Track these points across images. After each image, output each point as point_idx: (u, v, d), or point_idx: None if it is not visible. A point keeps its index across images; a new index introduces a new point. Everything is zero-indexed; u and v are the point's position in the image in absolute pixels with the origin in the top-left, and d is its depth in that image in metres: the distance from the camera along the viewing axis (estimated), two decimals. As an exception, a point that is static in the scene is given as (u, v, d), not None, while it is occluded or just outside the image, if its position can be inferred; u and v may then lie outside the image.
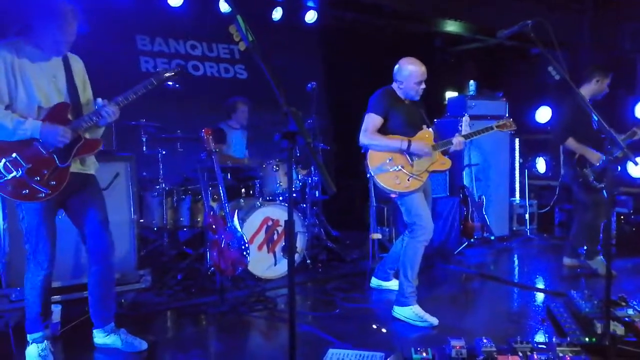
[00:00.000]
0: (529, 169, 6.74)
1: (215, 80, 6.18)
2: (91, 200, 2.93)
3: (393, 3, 5.79)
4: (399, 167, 3.48)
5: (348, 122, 6.46)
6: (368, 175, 3.52)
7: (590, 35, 7.41)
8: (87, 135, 2.83)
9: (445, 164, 3.64)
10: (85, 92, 2.95)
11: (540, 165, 6.87)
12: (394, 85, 3.64)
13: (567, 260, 4.81)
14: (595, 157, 4.37)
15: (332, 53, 6.92)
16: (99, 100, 2.83)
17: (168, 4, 5.27)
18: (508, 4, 6.56)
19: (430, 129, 3.64)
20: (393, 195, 3.50)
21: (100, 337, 3.07)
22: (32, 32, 2.71)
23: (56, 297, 3.44)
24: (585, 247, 4.64)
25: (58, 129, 2.63)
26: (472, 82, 6.10)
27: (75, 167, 2.79)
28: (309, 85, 4.92)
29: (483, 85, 6.25)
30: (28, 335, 2.87)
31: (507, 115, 6.02)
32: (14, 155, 2.58)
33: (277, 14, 5.92)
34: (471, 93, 6.03)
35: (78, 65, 2.94)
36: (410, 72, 3.54)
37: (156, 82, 2.87)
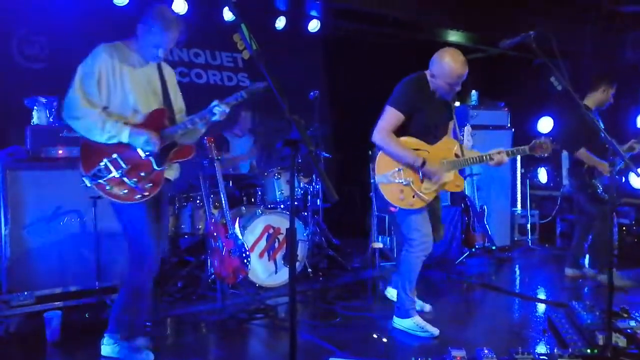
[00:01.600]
0: (531, 179, 6.74)
1: (218, 89, 6.20)
2: (165, 207, 2.99)
3: (395, 13, 5.81)
4: (408, 182, 3.16)
5: (350, 130, 6.50)
6: (372, 181, 3.27)
7: (592, 45, 7.43)
8: (182, 141, 2.85)
9: (459, 186, 3.33)
10: (177, 101, 2.97)
11: (542, 175, 6.87)
12: (428, 74, 3.25)
13: (569, 271, 4.79)
14: (606, 168, 4.28)
15: (334, 62, 6.94)
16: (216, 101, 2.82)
17: (172, 12, 5.30)
18: (510, 15, 6.59)
19: (455, 138, 3.34)
20: (392, 209, 3.23)
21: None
22: (134, 36, 2.76)
23: (57, 303, 3.44)
24: (595, 260, 4.59)
25: (145, 135, 2.66)
26: (474, 92, 6.12)
27: (167, 172, 2.84)
28: (312, 93, 4.94)
29: (485, 95, 6.26)
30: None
31: (509, 125, 6.03)
32: (114, 156, 2.64)
33: (280, 23, 5.95)
34: (473, 103, 6.04)
35: (171, 73, 2.97)
36: (447, 69, 3.12)
37: (246, 95, 2.86)
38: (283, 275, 4.42)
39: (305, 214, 4.99)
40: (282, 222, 4.44)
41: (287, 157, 4.59)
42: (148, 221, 2.75)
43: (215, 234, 3.80)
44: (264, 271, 4.35)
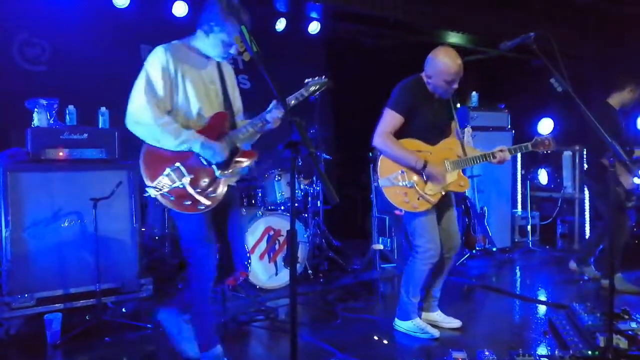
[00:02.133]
0: (531, 180, 6.74)
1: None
2: (237, 212, 2.89)
3: (396, 15, 5.82)
4: (411, 184, 3.14)
5: (350, 132, 6.51)
6: (375, 184, 3.25)
7: (593, 46, 7.44)
8: (241, 145, 2.74)
9: (463, 185, 3.29)
10: (236, 102, 2.87)
11: (542, 176, 6.87)
12: (424, 76, 3.24)
13: (573, 265, 4.76)
14: (629, 181, 4.17)
15: (335, 64, 6.95)
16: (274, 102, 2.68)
17: (173, 14, 5.31)
18: (510, 16, 6.60)
19: (458, 138, 3.33)
20: (397, 212, 3.20)
21: None
22: (192, 35, 2.66)
23: (57, 306, 3.44)
24: (603, 264, 4.57)
25: (216, 146, 2.56)
26: (474, 93, 6.12)
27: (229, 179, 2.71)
28: (311, 96, 4.93)
29: (485, 97, 6.27)
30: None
31: (509, 126, 6.04)
32: (177, 164, 2.52)
33: (280, 25, 5.96)
34: (473, 104, 6.05)
35: (230, 73, 2.86)
36: (441, 67, 3.10)
37: (306, 93, 2.74)
38: (283, 277, 4.42)
39: (306, 215, 4.99)
40: (282, 224, 4.44)
41: (287, 159, 4.58)
42: (206, 231, 2.64)
43: (215, 235, 3.79)
44: (265, 273, 4.34)
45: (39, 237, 3.45)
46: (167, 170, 2.50)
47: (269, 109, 2.68)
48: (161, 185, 2.48)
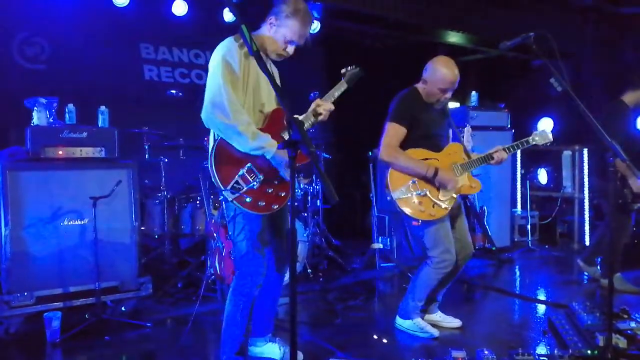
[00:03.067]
0: (531, 179, 6.74)
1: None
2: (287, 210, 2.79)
3: (396, 14, 5.82)
4: (424, 192, 3.14)
5: (350, 131, 6.51)
6: (389, 198, 3.17)
7: (592, 47, 7.44)
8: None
9: (475, 187, 3.31)
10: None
11: (542, 176, 6.88)
12: (420, 86, 3.30)
13: (581, 263, 4.74)
14: (636, 182, 4.09)
15: (334, 62, 6.92)
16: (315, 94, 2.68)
17: (172, 13, 5.31)
18: (510, 16, 6.61)
19: (458, 141, 3.35)
20: (415, 223, 3.18)
21: (259, 346, 2.97)
22: (262, 31, 2.59)
23: (57, 304, 3.44)
24: (601, 265, 4.56)
25: (285, 159, 2.45)
26: (474, 93, 6.12)
27: None
28: (312, 94, 4.92)
29: (485, 96, 6.26)
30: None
31: (509, 126, 6.04)
32: (249, 165, 2.46)
33: (280, 23, 5.95)
34: (473, 104, 6.05)
35: (275, 71, 2.76)
36: (438, 75, 3.16)
37: (346, 85, 2.77)
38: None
39: (306, 214, 4.99)
40: (282, 223, 4.44)
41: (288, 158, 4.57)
42: (268, 234, 2.62)
43: (215, 234, 3.80)
44: (264, 272, 4.34)
45: (38, 235, 3.45)
46: (242, 171, 2.44)
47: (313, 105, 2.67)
48: (235, 187, 2.42)
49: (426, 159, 3.22)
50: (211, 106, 2.40)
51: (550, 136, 3.34)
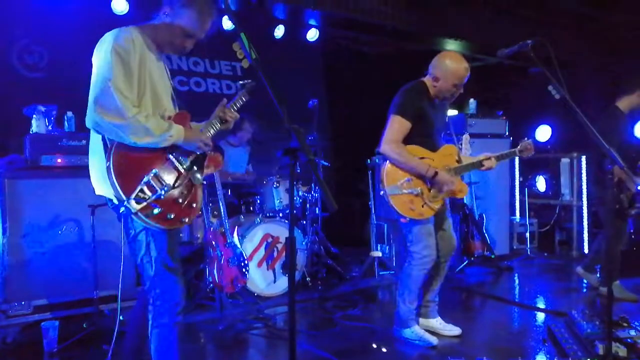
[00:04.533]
0: (529, 187, 6.75)
1: (217, 97, 6.17)
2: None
3: (394, 23, 5.85)
4: (418, 191, 3.14)
5: (349, 139, 6.52)
6: (382, 193, 3.17)
7: (589, 54, 7.48)
8: None
9: (463, 191, 3.33)
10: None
11: (540, 183, 6.88)
12: (427, 80, 3.24)
13: (580, 270, 4.73)
14: (633, 186, 4.10)
15: (333, 70, 6.97)
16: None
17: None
18: (508, 24, 6.64)
19: (454, 144, 3.38)
20: (403, 220, 3.21)
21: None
22: (148, 23, 2.32)
23: (54, 313, 3.42)
24: (600, 273, 4.55)
25: (200, 135, 2.26)
26: (472, 100, 6.14)
27: None
28: (311, 102, 4.95)
29: (483, 104, 6.29)
30: None
31: (507, 133, 6.05)
32: (154, 171, 2.11)
33: (279, 31, 5.98)
34: (471, 111, 6.07)
35: (166, 67, 2.44)
36: (452, 69, 3.13)
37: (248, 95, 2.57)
38: (282, 285, 4.40)
39: (304, 222, 4.99)
40: (280, 231, 4.44)
41: (286, 166, 4.59)
42: (172, 247, 2.25)
43: (214, 242, 3.79)
44: (263, 280, 4.33)
45: (36, 244, 3.44)
46: (146, 177, 2.08)
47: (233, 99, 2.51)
48: (144, 195, 2.06)
49: (422, 157, 3.22)
50: (98, 106, 2.04)
51: (532, 148, 3.51)
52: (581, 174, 6.36)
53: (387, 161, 3.19)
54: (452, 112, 6.97)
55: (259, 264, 4.33)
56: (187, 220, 2.21)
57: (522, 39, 2.73)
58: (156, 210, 2.09)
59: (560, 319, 3.76)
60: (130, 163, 2.09)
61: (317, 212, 5.19)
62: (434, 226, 3.33)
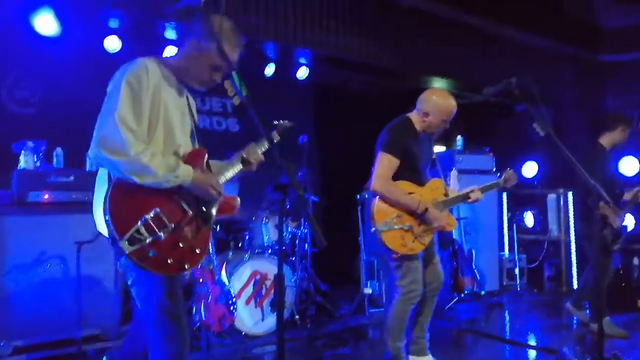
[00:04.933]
0: (517, 223, 6.78)
1: (207, 133, 6.24)
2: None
3: (382, 62, 5.98)
4: (408, 226, 3.16)
5: (338, 175, 6.54)
6: (373, 229, 3.17)
7: (573, 92, 7.68)
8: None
9: (451, 224, 3.38)
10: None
11: (529, 219, 6.92)
12: (413, 116, 3.31)
13: (569, 306, 4.71)
14: (617, 222, 4.14)
15: (323, 108, 7.06)
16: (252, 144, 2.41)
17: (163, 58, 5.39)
18: (493, 63, 6.82)
19: (441, 178, 3.41)
20: (394, 256, 3.19)
21: None
22: (180, 54, 2.21)
23: (36, 354, 3.32)
24: (589, 310, 4.54)
25: (210, 179, 2.10)
26: (459, 137, 6.23)
27: None
28: (301, 138, 4.99)
29: (470, 140, 6.38)
30: None
31: (494, 169, 6.13)
32: (156, 210, 1.95)
33: (269, 70, 6.08)
34: (459, 148, 6.15)
35: (194, 107, 2.36)
36: (442, 105, 3.23)
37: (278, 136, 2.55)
38: (270, 323, 4.32)
39: (293, 259, 4.94)
40: (269, 268, 4.39)
41: (275, 202, 4.57)
42: (178, 297, 2.09)
43: (201, 279, 3.73)
44: (250, 319, 4.25)
45: (19, 281, 3.37)
46: (146, 217, 1.93)
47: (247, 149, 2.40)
48: (139, 236, 1.90)
49: (411, 192, 3.24)
50: (102, 141, 1.94)
51: (514, 177, 3.68)
52: (568, 209, 6.42)
53: (377, 198, 3.20)
54: (439, 149, 7.06)
55: (247, 302, 4.26)
56: (187, 266, 2.04)
57: (506, 76, 2.80)
58: (152, 254, 1.91)
59: (551, 356, 3.72)
60: (129, 200, 1.94)
61: (306, 248, 5.16)
62: (423, 261, 3.33)
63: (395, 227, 3.14)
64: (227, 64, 2.12)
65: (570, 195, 6.33)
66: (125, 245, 1.88)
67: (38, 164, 3.65)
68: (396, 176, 3.23)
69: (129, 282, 2.07)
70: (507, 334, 4.67)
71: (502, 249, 6.57)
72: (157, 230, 1.93)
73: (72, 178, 3.66)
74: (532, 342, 4.31)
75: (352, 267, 6.11)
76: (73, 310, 3.39)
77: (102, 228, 2.00)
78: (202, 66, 2.17)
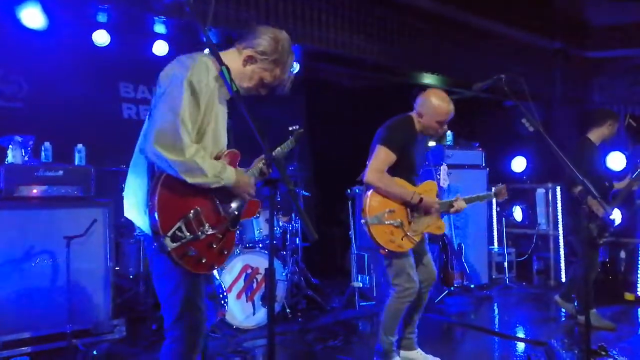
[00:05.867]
0: (506, 217, 6.84)
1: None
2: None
3: (372, 57, 5.99)
4: (398, 223, 3.16)
5: (329, 169, 6.56)
6: (363, 221, 3.15)
7: (561, 88, 7.75)
8: None
9: (441, 228, 3.40)
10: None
11: (517, 213, 6.99)
12: (414, 115, 3.30)
13: (558, 299, 4.76)
14: (601, 210, 4.11)
15: (314, 102, 7.07)
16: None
17: (153, 53, 5.37)
18: (483, 59, 6.86)
19: (433, 176, 3.44)
20: (382, 252, 3.19)
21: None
22: (232, 59, 2.18)
23: (25, 349, 3.31)
24: (577, 302, 4.59)
25: (251, 181, 2.16)
26: (449, 132, 6.26)
27: None
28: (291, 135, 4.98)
29: (460, 136, 6.41)
30: None
31: (483, 164, 6.17)
32: (197, 210, 2.02)
33: (260, 64, 6.06)
34: (449, 143, 6.18)
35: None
36: (435, 107, 3.20)
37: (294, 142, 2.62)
38: (261, 317, 4.34)
39: (284, 253, 4.96)
40: (260, 262, 4.40)
41: (266, 196, 4.57)
42: (201, 293, 2.15)
43: (192, 274, 3.73)
44: (242, 312, 4.26)
45: (8, 276, 3.35)
46: (187, 216, 1.99)
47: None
48: (181, 234, 1.96)
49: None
50: (159, 138, 1.94)
51: (505, 192, 3.70)
52: (556, 203, 6.49)
53: (371, 190, 3.20)
54: (430, 144, 7.10)
55: (238, 296, 4.27)
56: (216, 267, 2.13)
57: (496, 72, 2.82)
58: (191, 253, 1.98)
59: (540, 348, 3.77)
60: (174, 198, 1.98)
61: (297, 242, 5.17)
62: (414, 260, 3.33)
63: (386, 222, 3.13)
64: (277, 83, 2.21)
65: (558, 189, 6.39)
66: (168, 242, 1.92)
67: (26, 158, 3.63)
68: (393, 174, 3.22)
69: (155, 275, 2.12)
70: (496, 326, 4.71)
71: (492, 243, 6.63)
72: (196, 229, 1.99)
73: (60, 172, 3.64)
74: (521, 335, 4.36)
75: (343, 261, 6.14)
76: (63, 304, 3.38)
77: (136, 217, 2.08)
78: (252, 79, 2.22)
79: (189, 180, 1.97)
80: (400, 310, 3.29)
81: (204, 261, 2.02)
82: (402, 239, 3.18)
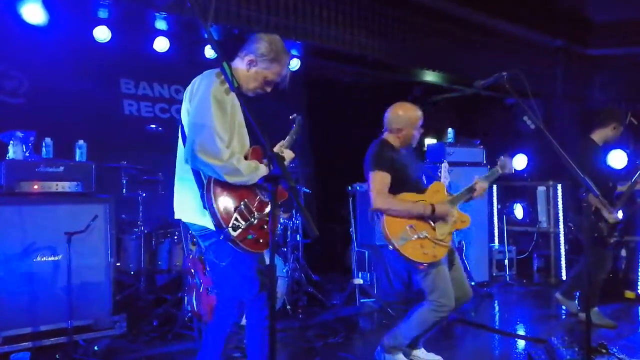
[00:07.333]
0: (507, 214, 6.84)
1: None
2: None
3: (374, 54, 5.98)
4: (424, 235, 3.12)
5: (330, 166, 6.56)
6: (391, 248, 3.10)
7: (563, 86, 7.73)
8: None
9: (465, 221, 3.34)
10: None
11: (518, 211, 6.98)
12: (387, 136, 3.39)
13: (559, 296, 4.75)
14: (611, 216, 4.12)
15: (315, 99, 7.06)
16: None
17: (154, 49, 5.36)
18: (484, 56, 6.84)
19: (441, 180, 3.41)
20: (421, 267, 3.13)
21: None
22: (237, 67, 2.54)
23: (26, 344, 3.31)
24: (579, 299, 4.58)
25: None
26: (450, 129, 6.25)
27: None
28: (292, 128, 4.98)
29: (461, 133, 6.40)
30: None
31: (484, 161, 6.17)
32: (245, 201, 2.39)
33: (261, 61, 6.05)
34: (450, 140, 6.17)
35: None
36: (409, 117, 3.33)
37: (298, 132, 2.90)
38: (262, 313, 4.34)
39: (285, 249, 4.96)
40: (261, 259, 4.40)
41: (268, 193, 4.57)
42: (262, 260, 2.51)
43: (192, 270, 3.74)
44: (243, 309, 4.26)
45: (9, 272, 3.35)
46: (239, 207, 2.36)
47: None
48: (238, 223, 2.33)
49: (415, 201, 3.22)
50: (201, 149, 2.28)
51: (510, 163, 3.58)
52: (557, 201, 6.48)
53: (384, 216, 3.14)
54: (431, 141, 7.10)
55: (239, 292, 4.27)
56: (267, 245, 2.41)
57: (497, 70, 2.82)
58: (250, 236, 2.35)
59: (540, 345, 3.78)
60: (226, 195, 2.35)
61: (298, 239, 5.17)
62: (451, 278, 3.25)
63: (413, 237, 3.10)
64: (279, 78, 2.56)
65: (559, 187, 6.39)
66: (230, 231, 2.30)
67: (27, 154, 3.62)
68: (396, 191, 3.21)
69: (218, 267, 2.47)
70: (497, 324, 4.72)
71: (492, 241, 6.63)
72: (248, 217, 2.37)
73: (61, 168, 3.63)
74: (521, 332, 4.36)
75: (344, 258, 6.14)
76: (64, 300, 3.38)
77: (193, 218, 2.44)
78: (256, 79, 2.54)
79: (230, 180, 2.32)
80: (429, 322, 3.22)
81: (261, 241, 2.39)
82: (434, 247, 3.14)
